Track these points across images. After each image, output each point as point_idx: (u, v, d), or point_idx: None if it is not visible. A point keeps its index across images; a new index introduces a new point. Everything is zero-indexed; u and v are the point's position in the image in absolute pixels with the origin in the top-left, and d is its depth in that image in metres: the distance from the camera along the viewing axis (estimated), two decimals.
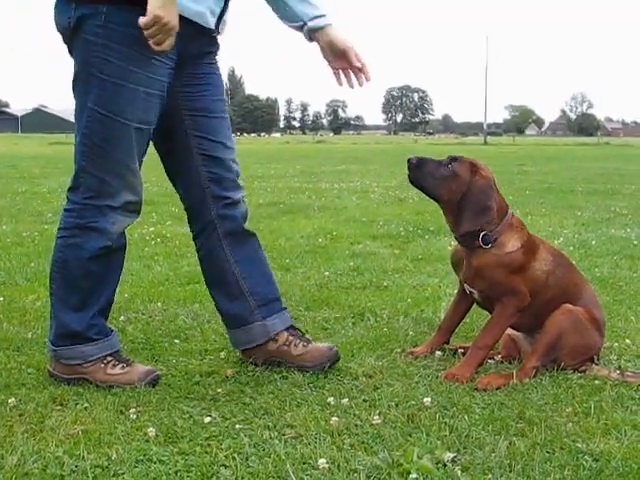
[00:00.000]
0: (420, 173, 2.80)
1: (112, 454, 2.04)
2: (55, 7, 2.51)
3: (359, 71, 2.79)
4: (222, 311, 2.89)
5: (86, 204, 2.55)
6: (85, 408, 2.39)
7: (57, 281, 2.63)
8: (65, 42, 2.53)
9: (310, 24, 2.72)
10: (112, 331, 2.71)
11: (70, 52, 2.53)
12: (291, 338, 2.83)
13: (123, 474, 1.95)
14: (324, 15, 2.73)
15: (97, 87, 2.45)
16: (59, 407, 2.41)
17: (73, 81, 2.53)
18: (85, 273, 2.58)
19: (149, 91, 2.48)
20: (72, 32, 2.46)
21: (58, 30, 2.53)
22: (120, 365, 2.63)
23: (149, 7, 2.30)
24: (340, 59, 2.77)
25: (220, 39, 2.75)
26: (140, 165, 2.61)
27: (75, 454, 2.04)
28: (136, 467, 1.98)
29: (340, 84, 2.81)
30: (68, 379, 2.63)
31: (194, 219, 2.83)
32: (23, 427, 2.23)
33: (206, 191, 2.74)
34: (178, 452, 2.07)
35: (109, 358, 2.64)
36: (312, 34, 2.74)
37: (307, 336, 2.91)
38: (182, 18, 2.40)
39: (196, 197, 2.76)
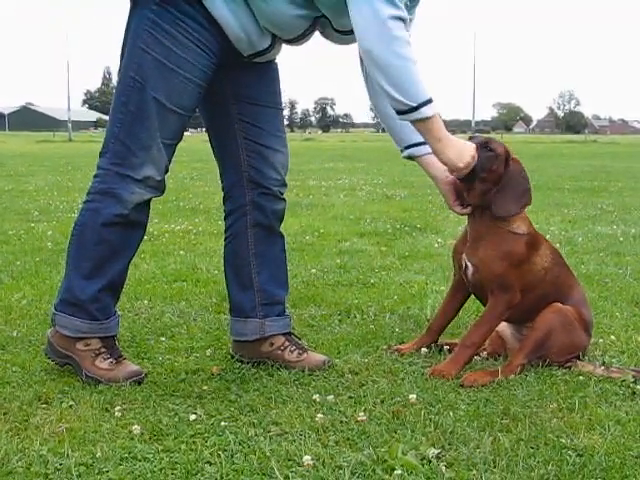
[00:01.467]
0: None
1: (97, 452, 2.04)
2: None
3: None
4: (230, 296, 2.91)
5: (109, 169, 2.57)
6: (70, 406, 2.38)
7: (74, 244, 2.65)
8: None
9: (405, 152, 2.89)
10: (115, 314, 2.70)
11: (128, 19, 2.58)
12: (287, 344, 2.83)
13: (107, 472, 1.94)
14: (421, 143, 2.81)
15: (141, 58, 2.51)
16: (44, 405, 2.40)
17: (122, 47, 2.58)
18: (99, 240, 2.59)
19: (188, 76, 2.52)
20: (134, 2, 2.54)
21: None
22: (109, 360, 2.62)
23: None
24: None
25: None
26: (170, 148, 2.62)
27: (59, 452, 2.03)
28: (120, 465, 1.97)
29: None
30: (59, 358, 2.67)
31: (228, 199, 2.86)
32: (7, 426, 2.22)
33: (244, 175, 2.78)
34: (163, 449, 2.07)
35: (102, 349, 2.63)
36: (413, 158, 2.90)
37: (303, 344, 2.91)
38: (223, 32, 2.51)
39: (234, 178, 2.81)
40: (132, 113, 2.53)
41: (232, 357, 2.87)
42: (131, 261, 2.72)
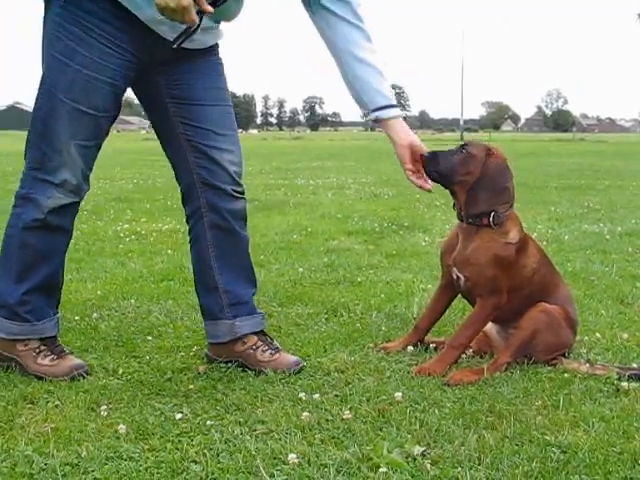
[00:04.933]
0: (436, 163, 2.76)
1: (82, 451, 2.04)
2: None
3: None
4: (198, 300, 2.91)
5: (29, 174, 2.61)
6: (56, 406, 2.37)
7: (3, 248, 2.70)
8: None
9: (372, 115, 2.77)
10: (52, 315, 2.71)
11: (42, 26, 2.58)
12: (260, 343, 2.81)
13: (93, 471, 1.94)
14: (391, 106, 2.77)
15: (48, 62, 2.53)
16: (29, 405, 2.39)
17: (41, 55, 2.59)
18: (21, 244, 2.63)
19: (95, 75, 2.50)
20: (45, 8, 2.55)
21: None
22: (51, 357, 2.66)
23: None
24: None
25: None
26: (88, 150, 2.60)
27: (45, 452, 2.03)
28: (106, 464, 1.97)
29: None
30: (1, 361, 2.69)
31: (186, 201, 2.82)
32: None
33: (195, 176, 2.74)
34: (149, 449, 2.07)
35: (42, 347, 2.67)
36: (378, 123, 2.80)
37: (277, 344, 2.87)
38: (142, 23, 2.47)
39: (186, 180, 2.77)
40: (43, 118, 2.55)
41: (207, 358, 2.85)
42: (63, 266, 2.74)
